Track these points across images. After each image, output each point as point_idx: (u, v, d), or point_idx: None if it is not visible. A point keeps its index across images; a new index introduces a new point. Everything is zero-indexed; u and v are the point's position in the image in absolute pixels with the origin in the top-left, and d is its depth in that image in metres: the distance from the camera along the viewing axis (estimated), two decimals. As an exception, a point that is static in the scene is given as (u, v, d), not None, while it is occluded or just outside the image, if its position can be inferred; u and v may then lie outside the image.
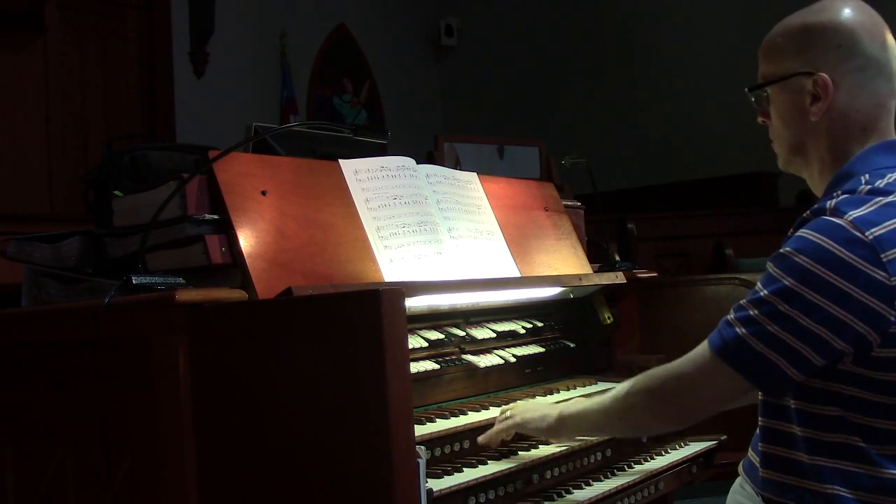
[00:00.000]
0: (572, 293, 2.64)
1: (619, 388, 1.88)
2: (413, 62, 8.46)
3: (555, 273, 2.58)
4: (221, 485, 1.62)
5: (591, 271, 2.73)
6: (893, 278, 1.56)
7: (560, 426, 2.02)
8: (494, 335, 2.39)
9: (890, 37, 1.77)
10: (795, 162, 1.86)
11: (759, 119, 1.89)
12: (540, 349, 2.55)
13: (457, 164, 4.48)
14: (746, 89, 1.88)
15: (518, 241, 2.52)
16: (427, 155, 4.43)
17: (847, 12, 1.75)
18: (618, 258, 3.24)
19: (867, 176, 1.69)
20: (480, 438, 2.04)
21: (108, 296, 1.67)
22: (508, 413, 2.08)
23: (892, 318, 1.57)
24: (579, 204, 3.19)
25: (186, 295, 1.63)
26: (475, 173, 2.54)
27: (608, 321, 2.76)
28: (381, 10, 8.13)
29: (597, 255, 2.94)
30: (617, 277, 2.71)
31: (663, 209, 6.45)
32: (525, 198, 2.68)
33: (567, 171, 3.89)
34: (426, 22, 8.58)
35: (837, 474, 1.65)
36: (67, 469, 1.83)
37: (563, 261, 2.66)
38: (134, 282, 1.68)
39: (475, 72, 8.41)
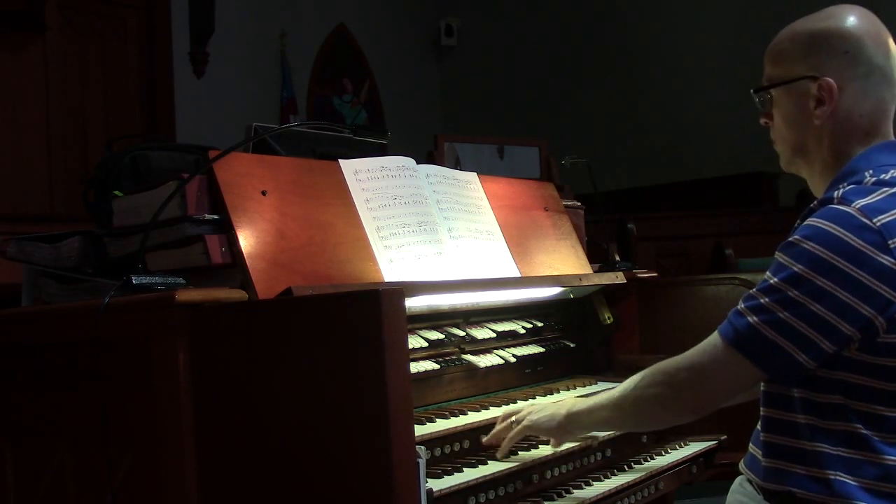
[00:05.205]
0: (572, 293, 2.64)
1: (629, 381, 1.88)
2: (413, 62, 8.46)
3: (555, 273, 2.58)
4: (221, 484, 1.62)
5: (591, 271, 2.73)
6: None
7: (569, 424, 2.02)
8: (494, 335, 2.39)
9: (893, 44, 1.82)
10: (797, 162, 1.90)
11: (762, 120, 1.93)
12: (540, 349, 2.55)
13: (457, 164, 4.46)
14: (752, 91, 1.91)
15: (518, 241, 2.52)
16: (427, 155, 4.42)
17: (853, 20, 1.79)
18: (618, 258, 3.24)
19: (871, 171, 1.73)
20: (486, 439, 2.04)
21: (107, 296, 1.67)
22: (514, 418, 2.07)
23: None
24: (579, 204, 3.19)
25: (186, 295, 1.63)
26: (475, 173, 2.54)
27: (608, 321, 2.76)
28: (381, 10, 8.13)
29: (597, 255, 2.94)
30: (617, 277, 2.71)
31: (663, 209, 6.45)
32: (525, 198, 2.68)
33: (567, 171, 3.88)
34: (426, 22, 8.58)
35: (840, 461, 1.67)
36: (67, 469, 1.83)
37: (563, 261, 2.65)
38: (134, 282, 1.68)
39: (475, 72, 8.40)
